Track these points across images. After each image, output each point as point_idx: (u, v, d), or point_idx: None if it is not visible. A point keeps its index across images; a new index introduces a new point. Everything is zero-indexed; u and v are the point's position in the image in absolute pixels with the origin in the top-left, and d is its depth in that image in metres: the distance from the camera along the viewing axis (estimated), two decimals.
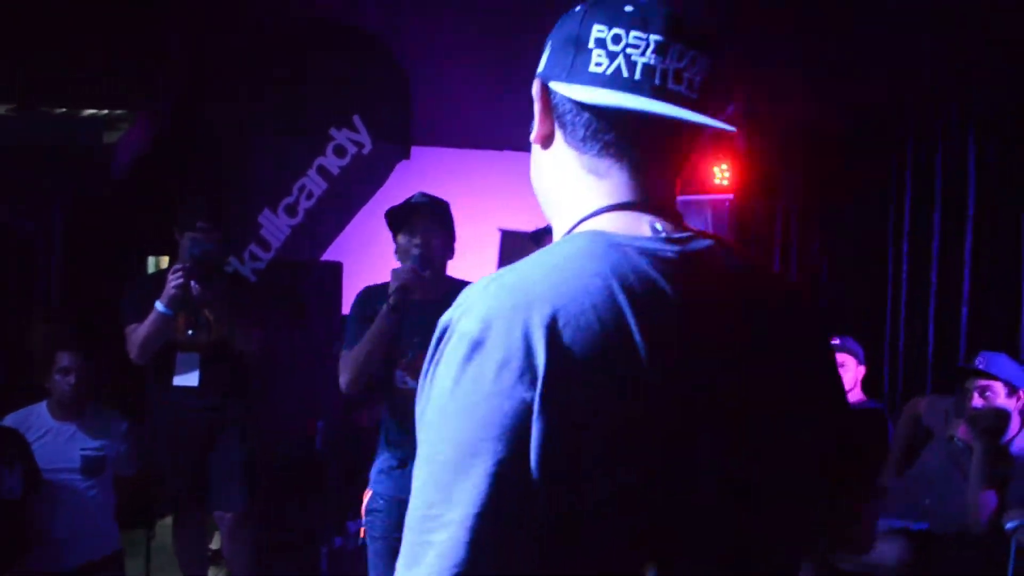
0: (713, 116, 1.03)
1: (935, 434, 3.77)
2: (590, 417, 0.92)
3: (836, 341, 4.17)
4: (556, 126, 1.08)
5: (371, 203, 5.00)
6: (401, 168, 5.16)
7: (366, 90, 5.08)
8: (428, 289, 2.99)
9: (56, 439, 3.82)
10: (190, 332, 3.86)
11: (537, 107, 1.10)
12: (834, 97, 5.16)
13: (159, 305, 3.69)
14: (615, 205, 1.04)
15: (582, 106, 1.04)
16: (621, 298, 0.94)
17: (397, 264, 3.07)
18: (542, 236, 4.78)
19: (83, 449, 3.85)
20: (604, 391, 0.93)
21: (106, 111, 5.35)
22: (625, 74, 1.02)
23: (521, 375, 0.90)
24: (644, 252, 0.99)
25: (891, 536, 3.25)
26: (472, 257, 4.50)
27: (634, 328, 0.94)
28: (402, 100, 5.08)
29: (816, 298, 1.02)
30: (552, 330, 0.91)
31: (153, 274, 4.35)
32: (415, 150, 5.17)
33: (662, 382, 0.95)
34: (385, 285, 3.08)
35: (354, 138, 5.04)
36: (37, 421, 3.83)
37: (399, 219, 3.09)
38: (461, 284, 3.11)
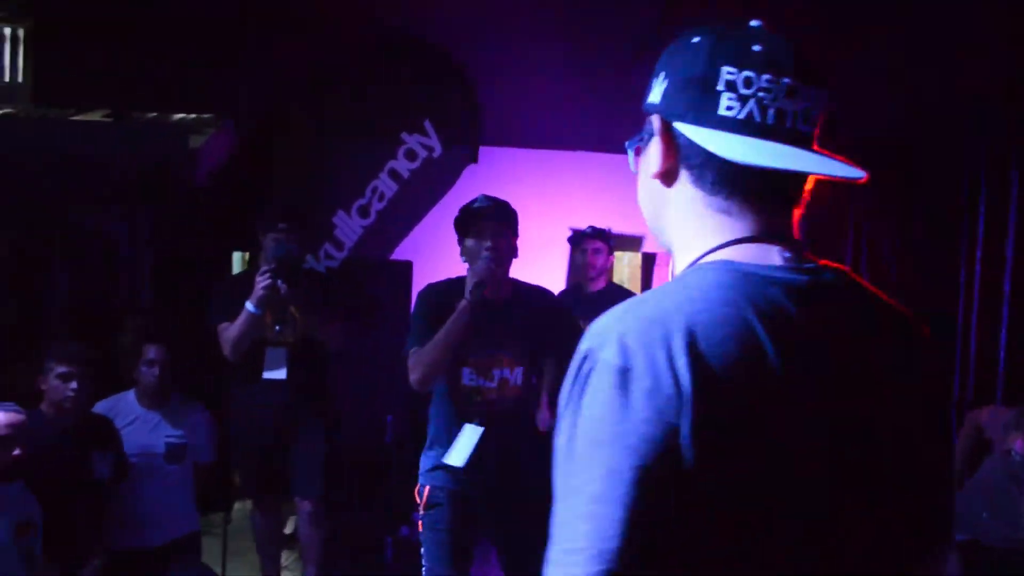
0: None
1: (995, 446, 3.72)
2: (736, 437, 0.94)
3: None
4: (681, 167, 1.08)
5: (440, 204, 5.13)
6: (469, 170, 5.28)
7: (436, 96, 5.20)
8: (496, 289, 3.06)
9: (143, 426, 4.02)
10: (277, 328, 4.02)
11: (659, 145, 1.09)
12: (908, 100, 5.08)
13: (249, 305, 3.85)
14: (744, 238, 1.06)
15: (714, 155, 1.03)
16: (756, 324, 0.96)
17: (464, 262, 3.13)
18: (579, 240, 4.85)
19: (167, 437, 4.05)
20: (746, 412, 0.95)
21: (192, 116, 5.59)
22: (758, 119, 1.02)
23: (668, 401, 0.92)
24: (774, 281, 1.01)
25: None
26: (539, 257, 4.60)
27: (770, 353, 0.96)
28: (470, 106, 5.20)
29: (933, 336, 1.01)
30: (694, 356, 0.93)
31: (239, 275, 4.54)
32: (483, 150, 5.28)
33: (796, 407, 0.97)
34: (447, 282, 3.16)
35: (425, 142, 5.18)
36: (125, 408, 4.03)
37: (467, 223, 3.14)
38: (525, 286, 3.21)
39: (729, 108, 1.03)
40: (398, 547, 4.69)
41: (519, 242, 3.20)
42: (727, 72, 1.03)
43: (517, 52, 5.11)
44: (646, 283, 6.37)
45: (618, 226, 5.02)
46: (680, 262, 1.10)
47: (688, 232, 1.09)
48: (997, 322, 4.75)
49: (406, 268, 5.26)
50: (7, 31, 6.90)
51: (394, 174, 5.19)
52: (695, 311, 0.97)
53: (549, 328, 3.16)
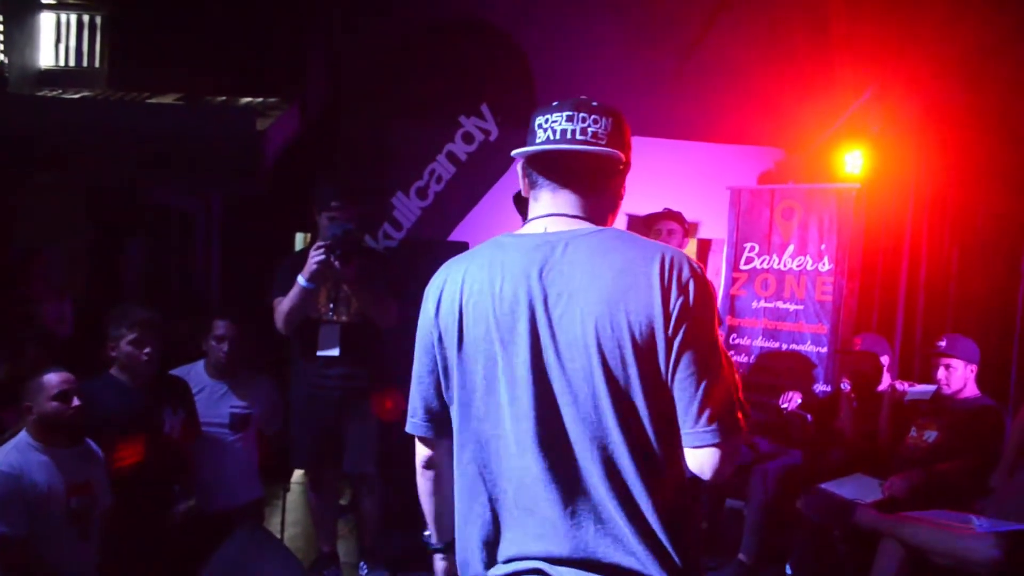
0: (621, 152, 1.74)
1: None
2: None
3: (943, 343, 4.11)
4: (524, 179, 1.82)
5: (496, 187, 5.22)
6: None
7: (494, 80, 5.28)
8: None
9: (210, 396, 4.16)
10: (331, 306, 4.08)
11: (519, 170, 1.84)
12: (970, 85, 5.00)
13: (300, 279, 3.90)
14: (533, 217, 1.77)
15: (524, 159, 1.80)
16: (487, 268, 1.72)
17: None
18: (653, 221, 4.90)
19: (232, 407, 4.18)
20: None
21: (260, 100, 5.74)
22: (551, 137, 1.73)
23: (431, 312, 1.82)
24: (516, 244, 1.73)
25: (988, 535, 3.23)
26: None
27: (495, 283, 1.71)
28: (527, 90, 5.26)
29: None
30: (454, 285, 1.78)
31: (300, 251, 4.55)
32: None
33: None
34: None
35: (482, 126, 5.27)
36: (196, 377, 4.17)
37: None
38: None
39: (538, 136, 1.75)
40: None
41: None
42: (538, 120, 1.76)
43: (574, 36, 5.16)
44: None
45: None
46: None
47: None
48: None
49: (463, 249, 5.28)
50: (85, 18, 7.17)
51: (452, 157, 5.28)
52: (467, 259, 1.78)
53: None
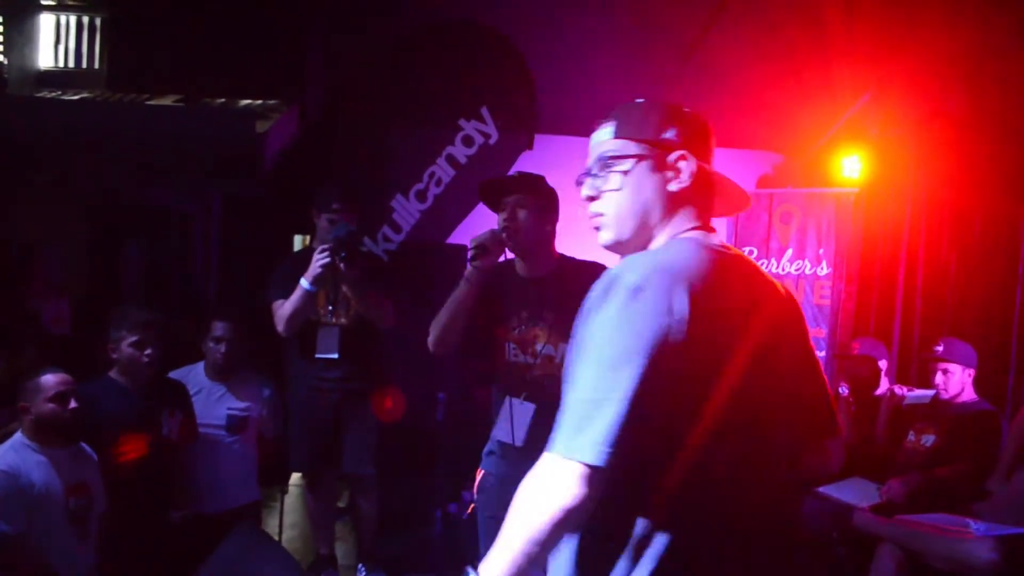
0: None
1: None
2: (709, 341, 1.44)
3: (940, 348, 4.12)
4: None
5: None
6: (524, 156, 5.36)
7: (494, 83, 5.29)
8: (535, 265, 2.98)
9: (208, 397, 4.14)
10: (330, 308, 4.07)
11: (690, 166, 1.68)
12: (968, 89, 5.02)
13: (304, 282, 3.88)
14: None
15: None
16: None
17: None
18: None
19: (230, 408, 4.15)
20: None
21: (259, 102, 5.75)
22: None
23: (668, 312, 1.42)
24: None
25: (986, 539, 3.23)
26: (592, 241, 4.65)
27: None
28: (527, 94, 5.27)
29: None
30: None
31: (296, 254, 4.58)
32: (538, 138, 5.34)
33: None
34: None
35: (482, 129, 5.27)
36: (194, 379, 4.15)
37: (492, 197, 3.06)
38: (573, 261, 3.05)
39: None
40: (447, 522, 4.78)
41: (571, 226, 3.03)
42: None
43: (573, 40, 5.17)
44: None
45: None
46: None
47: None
48: None
49: (461, 252, 5.32)
50: (84, 20, 7.18)
51: (451, 160, 5.29)
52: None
53: None
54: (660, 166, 1.63)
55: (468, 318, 3.00)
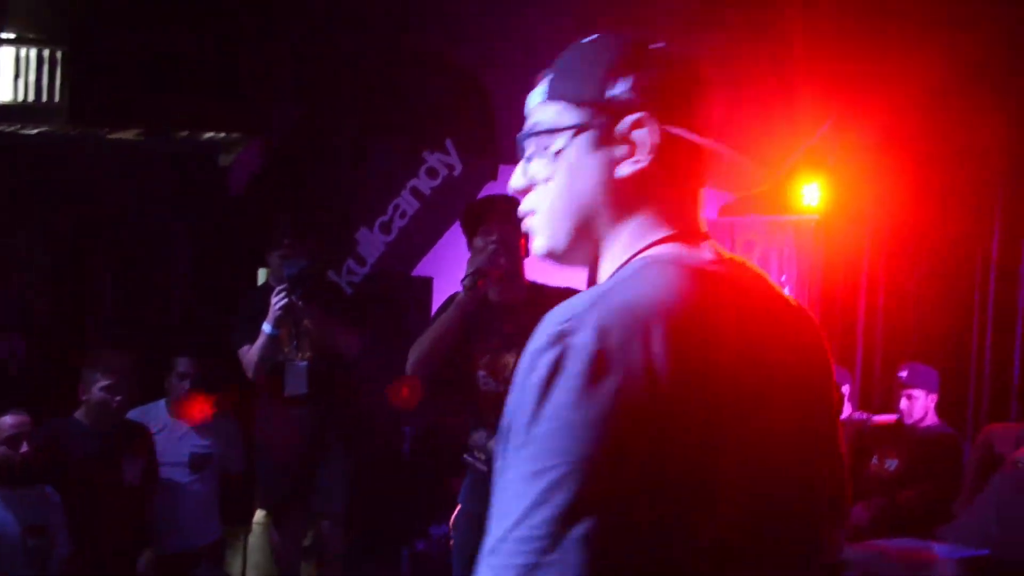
0: None
1: (1006, 460, 3.74)
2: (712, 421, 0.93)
3: (904, 373, 4.18)
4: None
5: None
6: (489, 187, 5.37)
7: (457, 115, 5.31)
8: (507, 291, 2.95)
9: (171, 434, 4.10)
10: (294, 343, 4.02)
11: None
12: (927, 118, 5.12)
13: (266, 327, 3.85)
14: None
15: None
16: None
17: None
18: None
19: (193, 446, 4.13)
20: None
21: (222, 135, 5.73)
22: None
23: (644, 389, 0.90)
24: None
25: (949, 562, 3.26)
26: (559, 274, 4.66)
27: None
28: (489, 125, 5.29)
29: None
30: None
31: (254, 291, 4.50)
32: (501, 168, 5.37)
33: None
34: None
35: (445, 160, 5.29)
36: (155, 417, 4.12)
37: (474, 219, 3.03)
38: (548, 288, 2.97)
39: None
40: (415, 560, 4.72)
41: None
42: None
43: (534, 71, 5.21)
44: None
45: None
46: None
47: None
48: (1012, 341, 4.76)
49: (427, 283, 5.35)
50: (45, 53, 7.12)
51: (416, 192, 5.30)
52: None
53: None
54: (605, 139, 1.08)
55: (454, 343, 2.96)
